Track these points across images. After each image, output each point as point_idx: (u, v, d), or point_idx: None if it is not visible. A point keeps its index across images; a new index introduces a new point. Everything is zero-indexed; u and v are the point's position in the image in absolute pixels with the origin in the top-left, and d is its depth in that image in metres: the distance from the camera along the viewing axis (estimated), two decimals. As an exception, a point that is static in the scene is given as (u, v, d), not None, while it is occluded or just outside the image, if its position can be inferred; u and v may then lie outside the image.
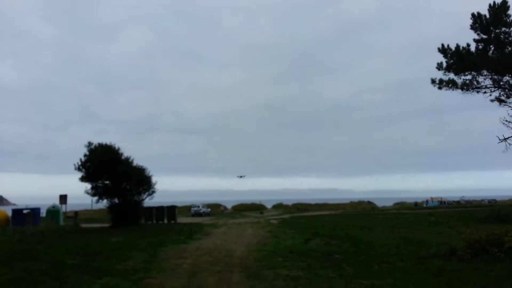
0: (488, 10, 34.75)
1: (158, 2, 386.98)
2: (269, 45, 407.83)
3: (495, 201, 73.57)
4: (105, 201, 27.93)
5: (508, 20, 34.34)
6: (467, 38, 35.62)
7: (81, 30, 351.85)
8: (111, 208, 27.97)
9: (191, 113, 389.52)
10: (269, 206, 69.77)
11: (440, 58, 37.07)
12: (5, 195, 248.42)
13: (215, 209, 58.02)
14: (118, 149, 28.10)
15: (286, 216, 41.87)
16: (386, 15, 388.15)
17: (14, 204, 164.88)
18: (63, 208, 35.55)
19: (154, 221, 32.68)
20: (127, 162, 28.15)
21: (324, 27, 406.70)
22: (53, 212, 31.81)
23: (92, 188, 27.26)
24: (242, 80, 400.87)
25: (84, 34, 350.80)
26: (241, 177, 77.27)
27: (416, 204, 66.74)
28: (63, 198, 36.24)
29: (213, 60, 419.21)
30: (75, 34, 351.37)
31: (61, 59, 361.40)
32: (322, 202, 74.84)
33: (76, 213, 32.85)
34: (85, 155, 26.97)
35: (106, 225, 28.16)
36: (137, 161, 29.40)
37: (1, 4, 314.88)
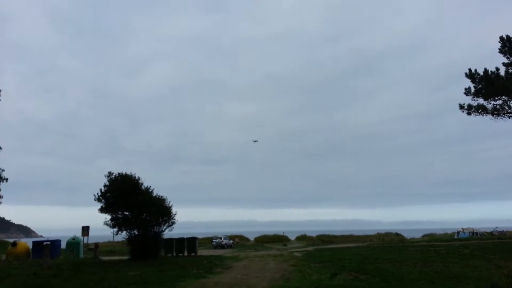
0: (517, 33, 33.82)
1: (182, 36, 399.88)
2: (290, 75, 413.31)
3: (531, 232, 69.70)
4: (124, 232, 27.36)
5: (538, 42, 33.28)
6: (493, 64, 34.53)
7: (110, 65, 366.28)
8: (130, 240, 27.34)
9: (214, 143, 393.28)
10: (292, 237, 67.98)
11: (466, 84, 36.04)
12: (33, 227, 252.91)
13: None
14: (138, 179, 27.72)
15: (310, 248, 40.42)
16: (407, 45, 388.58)
17: (42, 236, 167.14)
18: (85, 239, 35.28)
19: (174, 254, 31.88)
20: (147, 192, 27.69)
21: (344, 57, 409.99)
22: (73, 244, 31.45)
23: (112, 219, 26.77)
24: (264, 110, 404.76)
25: (112, 69, 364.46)
26: (255, 141, 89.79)
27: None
28: (85, 230, 36.04)
29: (235, 91, 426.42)
30: (104, 69, 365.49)
31: (90, 93, 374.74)
32: (347, 233, 72.44)
33: (96, 245, 32.43)
34: (105, 186, 26.67)
35: (126, 257, 27.56)
36: (160, 191, 28.94)
37: (35, 41, 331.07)
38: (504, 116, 35.69)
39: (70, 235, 33.12)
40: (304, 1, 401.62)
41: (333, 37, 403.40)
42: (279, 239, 63.06)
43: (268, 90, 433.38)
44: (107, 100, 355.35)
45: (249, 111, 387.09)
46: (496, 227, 74.59)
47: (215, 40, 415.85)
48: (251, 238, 66.74)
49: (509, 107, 35.49)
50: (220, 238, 50.98)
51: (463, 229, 60.12)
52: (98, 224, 27.77)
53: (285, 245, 53.67)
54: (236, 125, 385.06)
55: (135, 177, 27.74)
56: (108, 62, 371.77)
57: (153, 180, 53.48)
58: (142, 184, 27.88)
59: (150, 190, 28.15)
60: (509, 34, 34.21)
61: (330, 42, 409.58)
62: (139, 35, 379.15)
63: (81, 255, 31.21)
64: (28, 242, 32.34)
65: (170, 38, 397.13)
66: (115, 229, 27.42)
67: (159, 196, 28.51)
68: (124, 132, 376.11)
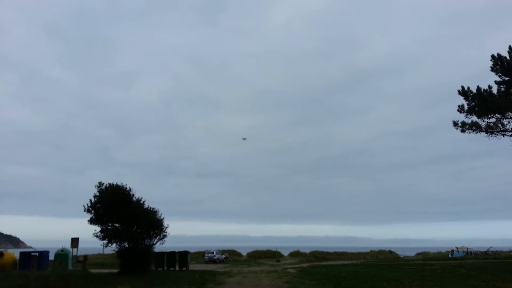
0: (508, 52, 34.04)
1: (174, 50, 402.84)
2: (283, 91, 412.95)
3: (525, 252, 69.35)
4: (114, 245, 26.65)
5: (530, 62, 33.46)
6: (485, 83, 34.70)
7: (101, 77, 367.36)
8: (120, 252, 26.62)
9: (206, 157, 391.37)
10: (285, 253, 67.11)
11: (458, 102, 36.10)
12: (23, 238, 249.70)
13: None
14: (129, 190, 27.09)
15: (305, 264, 39.78)
16: (400, 62, 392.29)
17: (31, 247, 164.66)
18: (74, 251, 34.51)
19: (165, 268, 31.16)
20: (138, 203, 27.07)
21: (337, 73, 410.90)
22: (61, 255, 30.75)
23: (101, 231, 26.10)
24: (256, 125, 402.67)
25: (103, 81, 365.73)
26: (244, 139, 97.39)
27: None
28: (74, 241, 35.28)
29: (227, 105, 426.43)
30: (95, 81, 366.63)
31: (81, 104, 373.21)
32: (340, 250, 71.70)
33: (85, 257, 31.65)
34: (94, 196, 26.03)
35: (115, 270, 26.83)
36: (152, 204, 28.28)
37: (25, 52, 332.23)
38: (497, 134, 35.73)
39: (59, 246, 32.44)
40: (296, 17, 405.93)
41: (325, 54, 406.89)
42: (272, 255, 62.19)
43: (261, 106, 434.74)
44: (98, 112, 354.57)
45: (242, 126, 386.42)
46: (491, 247, 74.15)
47: (207, 54, 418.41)
48: (244, 253, 65.83)
49: (502, 125, 35.51)
50: (212, 252, 50.31)
51: (457, 248, 59.65)
52: (88, 235, 27.25)
53: (278, 261, 52.87)
54: (229, 140, 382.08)
55: (126, 188, 27.14)
56: (100, 74, 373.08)
57: (145, 192, 52.81)
58: (133, 195, 27.28)
59: (142, 202, 27.55)
60: (500, 53, 34.46)
61: (322, 58, 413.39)
62: (130, 47, 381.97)
63: (70, 267, 30.52)
64: (16, 253, 31.62)
65: (162, 52, 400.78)
66: (105, 241, 26.73)
67: (150, 208, 27.88)
68: (116, 144, 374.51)
